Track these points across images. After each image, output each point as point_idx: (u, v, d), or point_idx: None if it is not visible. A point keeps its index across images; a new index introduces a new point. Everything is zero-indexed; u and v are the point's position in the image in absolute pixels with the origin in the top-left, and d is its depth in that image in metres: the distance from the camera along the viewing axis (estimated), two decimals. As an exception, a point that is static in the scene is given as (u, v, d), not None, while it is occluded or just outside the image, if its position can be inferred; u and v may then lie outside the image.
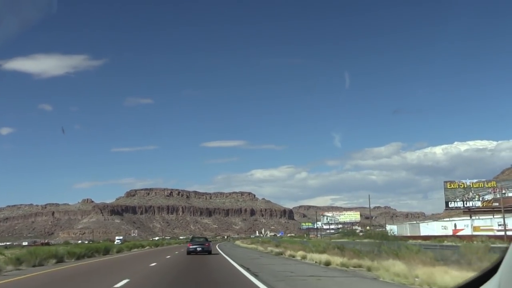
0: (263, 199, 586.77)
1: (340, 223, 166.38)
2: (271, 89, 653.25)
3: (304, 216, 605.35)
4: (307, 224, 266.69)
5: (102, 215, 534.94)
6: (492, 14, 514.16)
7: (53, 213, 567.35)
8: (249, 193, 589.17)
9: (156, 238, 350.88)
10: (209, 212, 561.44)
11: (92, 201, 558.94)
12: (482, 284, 3.22)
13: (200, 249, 50.29)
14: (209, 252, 50.84)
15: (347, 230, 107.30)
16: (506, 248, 2.88)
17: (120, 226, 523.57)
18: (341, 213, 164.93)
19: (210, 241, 63.40)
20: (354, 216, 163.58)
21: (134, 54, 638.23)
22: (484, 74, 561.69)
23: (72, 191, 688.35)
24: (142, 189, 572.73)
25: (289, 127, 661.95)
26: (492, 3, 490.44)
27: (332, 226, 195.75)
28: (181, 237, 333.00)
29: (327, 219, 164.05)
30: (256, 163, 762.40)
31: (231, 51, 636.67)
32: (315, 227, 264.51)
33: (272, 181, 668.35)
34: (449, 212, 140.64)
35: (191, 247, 51.08)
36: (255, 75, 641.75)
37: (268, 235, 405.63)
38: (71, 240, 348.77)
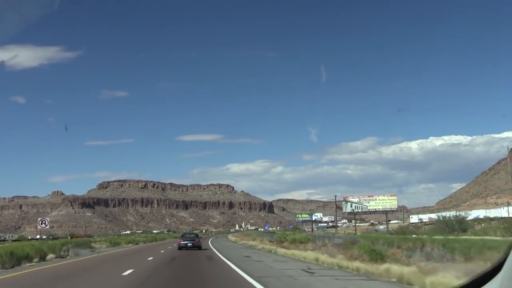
0: (242, 191, 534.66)
1: (369, 211, 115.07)
2: (247, 83, 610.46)
3: (283, 209, 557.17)
4: (302, 215, 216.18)
5: (72, 208, 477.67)
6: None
7: (20, 206, 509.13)
8: (227, 185, 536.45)
9: (128, 232, 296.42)
10: (186, 205, 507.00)
11: (63, 194, 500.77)
12: (484, 284, 2.98)
13: (190, 244, 49.52)
14: (199, 248, 49.90)
15: (450, 219, 55.84)
16: (511, 246, 2.59)
17: (92, 220, 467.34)
18: (370, 197, 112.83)
19: (201, 237, 59.68)
20: (390, 203, 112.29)
21: (108, 46, 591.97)
22: (459, 72, 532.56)
23: (44, 185, 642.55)
24: (115, 181, 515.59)
25: (265, 121, 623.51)
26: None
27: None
28: (154, 231, 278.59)
29: (351, 206, 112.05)
30: (232, 157, 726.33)
31: (207, 45, 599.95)
32: (313, 219, 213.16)
33: (248, 175, 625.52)
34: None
35: (182, 242, 50.48)
36: (231, 69, 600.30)
37: (249, 229, 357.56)
38: (37, 235, 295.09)
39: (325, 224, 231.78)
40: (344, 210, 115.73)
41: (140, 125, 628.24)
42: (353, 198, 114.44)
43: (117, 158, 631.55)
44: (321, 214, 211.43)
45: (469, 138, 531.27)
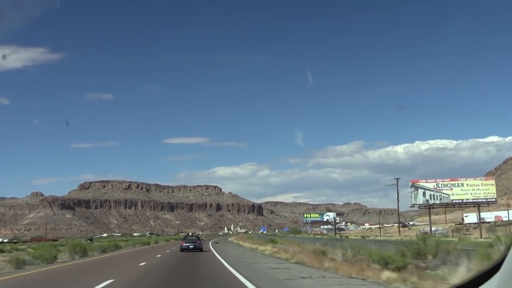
0: (230, 193, 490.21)
1: (453, 203, 72.54)
2: (234, 86, 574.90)
3: (272, 212, 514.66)
4: (311, 216, 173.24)
5: (51, 209, 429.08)
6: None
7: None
8: (215, 187, 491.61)
9: (105, 235, 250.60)
10: (171, 207, 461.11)
11: (42, 195, 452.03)
12: (481, 283, 2.78)
13: (192, 246, 48.01)
14: (201, 250, 47.89)
15: None
16: (509, 246, 2.46)
17: (71, 222, 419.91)
18: (454, 182, 70.31)
19: (202, 239, 56.54)
20: (484, 190, 69.98)
21: (94, 48, 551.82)
22: (445, 77, 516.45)
23: (27, 187, 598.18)
24: (97, 181, 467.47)
25: (251, 124, 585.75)
26: None
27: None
28: (135, 234, 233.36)
29: (424, 195, 69.62)
30: (218, 160, 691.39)
31: (193, 48, 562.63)
32: (324, 219, 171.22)
33: (234, 178, 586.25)
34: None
35: (184, 244, 48.71)
36: (217, 72, 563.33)
37: (238, 232, 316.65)
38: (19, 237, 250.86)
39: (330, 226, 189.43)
40: (413, 201, 73.44)
41: (126, 128, 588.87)
42: (426, 182, 72.00)
43: (103, 161, 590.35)
44: (334, 214, 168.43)
45: (455, 142, 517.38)
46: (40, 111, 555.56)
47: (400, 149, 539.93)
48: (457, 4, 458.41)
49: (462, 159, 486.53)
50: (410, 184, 73.79)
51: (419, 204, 74.27)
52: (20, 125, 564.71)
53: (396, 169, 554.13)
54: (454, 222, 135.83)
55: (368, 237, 66.73)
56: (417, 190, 72.30)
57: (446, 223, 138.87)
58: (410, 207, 78.84)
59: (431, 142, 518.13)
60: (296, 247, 40.04)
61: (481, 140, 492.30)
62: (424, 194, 71.90)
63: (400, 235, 72.35)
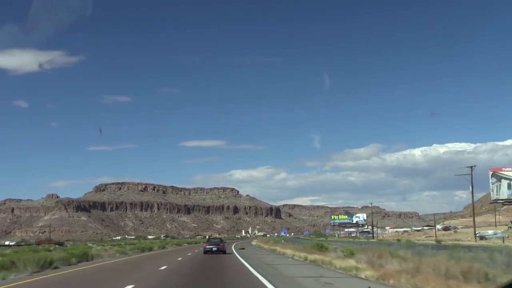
0: (247, 195, 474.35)
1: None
2: (250, 89, 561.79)
3: (290, 215, 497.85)
4: (339, 217, 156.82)
5: (66, 211, 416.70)
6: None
7: (12, 210, 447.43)
8: (232, 189, 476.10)
9: (118, 238, 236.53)
10: (188, 209, 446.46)
11: (58, 197, 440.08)
12: None
13: (215, 249, 48.11)
14: (224, 252, 48.13)
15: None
16: None
17: (87, 224, 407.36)
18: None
19: (225, 242, 58.85)
20: None
21: (111, 51, 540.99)
22: (462, 79, 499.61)
23: (44, 190, 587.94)
24: (113, 183, 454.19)
25: (268, 127, 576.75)
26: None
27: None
28: (149, 237, 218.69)
29: (509, 187, 53.50)
30: (235, 163, 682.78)
31: (210, 51, 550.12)
32: (353, 221, 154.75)
33: (251, 181, 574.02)
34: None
35: (207, 247, 48.94)
36: (234, 75, 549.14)
37: (256, 235, 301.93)
38: (27, 240, 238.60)
39: (356, 228, 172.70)
40: (495, 195, 56.87)
41: (143, 131, 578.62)
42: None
43: (119, 163, 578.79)
44: (365, 215, 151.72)
45: (473, 145, 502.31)
46: (57, 113, 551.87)
47: (417, 152, 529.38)
48: (475, 5, 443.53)
49: (481, 162, 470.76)
50: (491, 173, 57.27)
51: (503, 200, 57.41)
52: (38, 128, 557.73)
53: (414, 173, 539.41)
54: (506, 225, 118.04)
55: (442, 241, 50.53)
56: (500, 181, 55.75)
57: (496, 226, 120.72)
58: (490, 203, 62.35)
59: (449, 145, 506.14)
60: (390, 258, 23.83)
61: (500, 143, 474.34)
62: (509, 186, 55.58)
63: (476, 240, 56.33)
